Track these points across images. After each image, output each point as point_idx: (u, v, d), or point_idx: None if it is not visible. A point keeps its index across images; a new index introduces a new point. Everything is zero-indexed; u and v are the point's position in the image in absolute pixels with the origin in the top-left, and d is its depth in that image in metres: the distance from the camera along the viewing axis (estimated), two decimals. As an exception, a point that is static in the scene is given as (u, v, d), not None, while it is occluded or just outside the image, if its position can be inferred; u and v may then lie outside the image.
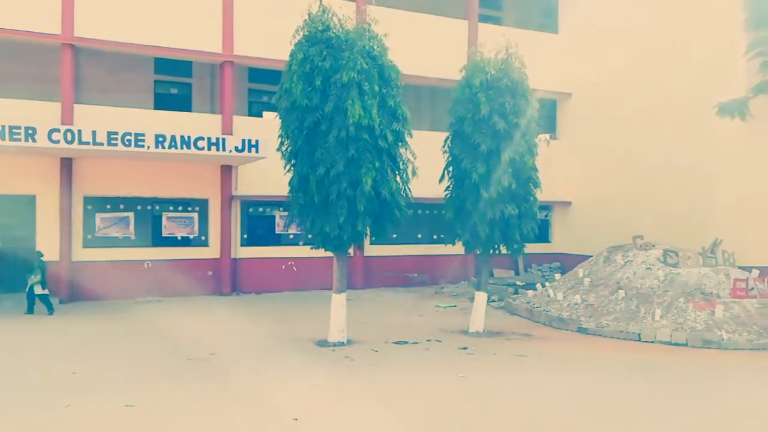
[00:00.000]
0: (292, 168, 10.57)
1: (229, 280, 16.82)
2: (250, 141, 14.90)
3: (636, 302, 12.49)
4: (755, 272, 12.91)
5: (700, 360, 10.14)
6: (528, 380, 8.89)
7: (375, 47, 10.35)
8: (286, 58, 10.45)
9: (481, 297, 12.18)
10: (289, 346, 10.68)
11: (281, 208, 17.21)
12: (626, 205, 18.41)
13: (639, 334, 11.58)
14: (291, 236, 17.67)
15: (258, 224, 17.61)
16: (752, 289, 12.28)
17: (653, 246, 14.12)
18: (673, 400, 7.95)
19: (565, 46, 20.70)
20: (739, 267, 13.48)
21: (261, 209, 17.64)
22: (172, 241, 16.71)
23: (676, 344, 11.15)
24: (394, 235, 16.88)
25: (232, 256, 16.95)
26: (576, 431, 6.74)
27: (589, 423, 7.00)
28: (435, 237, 19.00)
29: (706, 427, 6.91)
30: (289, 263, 17.53)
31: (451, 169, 12.03)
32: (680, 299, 12.12)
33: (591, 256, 15.62)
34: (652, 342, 11.34)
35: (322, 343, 10.73)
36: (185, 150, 14.43)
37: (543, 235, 20.68)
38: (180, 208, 16.82)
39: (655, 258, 13.55)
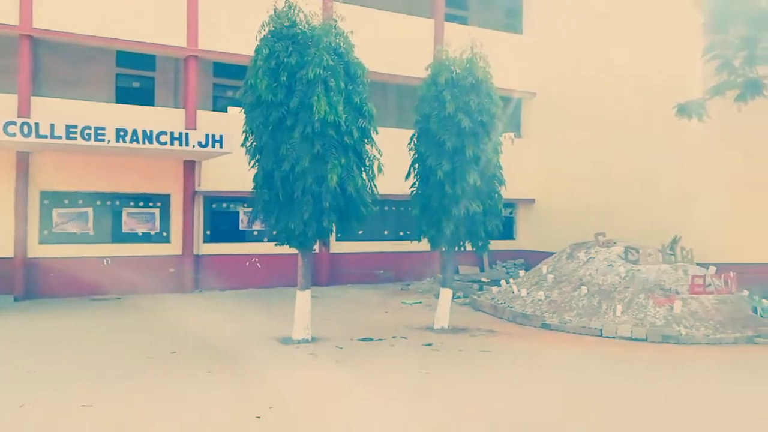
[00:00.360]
0: (257, 164, 10.47)
1: (192, 277, 16.58)
2: (214, 136, 14.70)
3: (598, 298, 12.71)
4: (712, 269, 13.26)
5: (658, 355, 10.37)
6: (491, 375, 8.97)
7: (341, 44, 10.31)
8: (252, 53, 10.34)
9: (446, 293, 12.25)
10: (252, 344, 10.58)
11: (245, 204, 17.02)
12: (589, 202, 18.73)
13: (601, 330, 11.80)
14: (255, 233, 17.51)
15: (221, 220, 17.40)
16: (709, 285, 12.62)
17: (615, 243, 14.38)
18: (632, 394, 8.11)
19: (530, 46, 20.96)
20: (697, 264, 13.83)
21: (225, 205, 17.43)
22: (132, 238, 16.39)
23: (636, 339, 11.39)
24: (360, 232, 16.91)
25: (195, 253, 16.71)
26: (537, 425, 6.83)
27: (550, 416, 7.09)
28: (401, 234, 19.03)
29: (663, 419, 7.06)
30: (253, 260, 17.37)
31: (416, 166, 12.07)
32: (640, 295, 12.38)
33: (555, 252, 15.83)
34: (613, 337, 11.56)
35: (286, 341, 10.66)
36: (147, 144, 14.15)
37: (508, 232, 20.91)
38: (141, 203, 16.51)
39: (617, 255, 13.81)
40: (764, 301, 13.00)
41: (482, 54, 11.65)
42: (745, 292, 13.34)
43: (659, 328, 11.52)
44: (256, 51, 10.22)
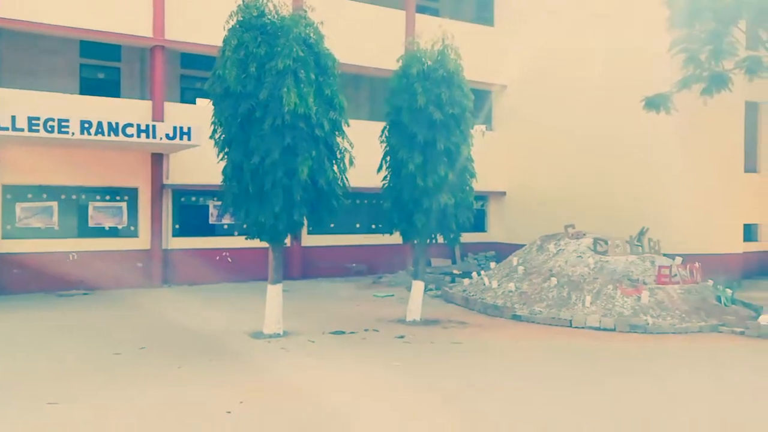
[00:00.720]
0: (226, 156, 10.31)
1: (160, 271, 16.33)
2: (182, 128, 14.46)
3: (567, 289, 12.85)
4: (678, 259, 13.50)
5: (626, 344, 10.54)
6: (462, 367, 9.01)
7: (311, 35, 10.19)
8: (220, 43, 10.17)
9: (418, 286, 12.27)
10: (223, 339, 10.46)
11: (215, 198, 16.80)
12: (559, 194, 18.93)
13: (570, 321, 11.93)
14: (225, 226, 17.31)
15: (190, 214, 17.16)
16: (675, 275, 12.85)
17: (584, 235, 14.55)
18: (598, 383, 8.23)
19: (501, 39, 21.04)
20: (664, 254, 14.07)
21: (194, 199, 17.19)
22: (99, 232, 16.07)
23: (605, 329, 11.55)
24: (332, 225, 16.76)
25: (163, 247, 16.45)
26: (506, 411, 6.88)
27: (518, 404, 7.15)
28: (373, 227, 19.00)
29: (630, 407, 7.17)
30: (224, 254, 17.17)
31: (388, 158, 12.03)
32: (609, 286, 12.55)
33: (525, 244, 15.96)
34: (583, 327, 11.70)
35: (257, 335, 10.56)
36: (113, 137, 13.86)
37: (479, 225, 21.03)
38: (108, 197, 16.18)
39: (586, 246, 13.96)
40: (728, 290, 13.30)
41: (453, 46, 11.64)
42: (710, 282, 13.63)
43: (627, 318, 11.70)
44: (224, 41, 10.04)
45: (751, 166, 18.98)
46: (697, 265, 13.37)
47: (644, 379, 8.45)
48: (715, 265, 15.54)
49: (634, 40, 16.94)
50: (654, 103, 15.40)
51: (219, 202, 15.25)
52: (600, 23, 17.93)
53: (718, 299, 12.77)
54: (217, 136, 10.34)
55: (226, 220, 16.66)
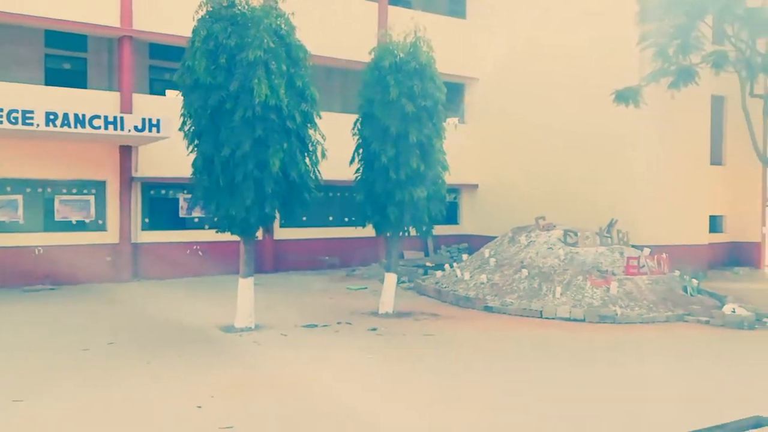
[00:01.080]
0: (196, 149, 10.18)
1: (129, 265, 16.08)
2: (150, 120, 14.22)
3: (538, 281, 12.98)
4: (646, 251, 13.74)
5: (594, 334, 10.70)
6: (434, 358, 9.06)
7: (282, 26, 10.09)
8: (189, 34, 10.01)
9: (390, 278, 12.28)
10: (193, 333, 10.36)
11: (185, 191, 16.58)
12: (530, 187, 19.11)
13: (541, 311, 12.07)
14: (196, 220, 17.10)
15: (160, 207, 16.91)
16: (643, 266, 13.07)
17: (554, 226, 14.70)
18: (560, 371, 8.35)
19: (473, 32, 21.08)
20: (633, 246, 14.30)
21: (163, 192, 16.94)
22: (66, 226, 15.74)
23: (575, 320, 11.71)
24: (305, 218, 16.67)
25: (133, 241, 16.20)
26: (478, 402, 6.94)
27: (490, 394, 7.22)
28: (346, 220, 18.96)
29: (596, 397, 7.29)
30: (194, 247, 16.97)
31: (361, 151, 11.99)
32: (579, 277, 12.72)
33: (497, 236, 16.09)
34: (553, 318, 11.85)
35: (229, 329, 10.47)
36: (79, 129, 13.58)
37: (452, 217, 21.12)
38: (75, 190, 15.86)
39: (556, 238, 14.12)
40: (694, 280, 13.58)
41: (426, 39, 11.62)
42: (677, 273, 13.90)
43: (596, 308, 11.87)
44: (193, 32, 9.89)
45: (716, 159, 19.38)
46: (664, 256, 13.62)
47: (607, 367, 8.61)
48: (682, 256, 15.85)
49: (604, 34, 17.12)
50: (624, 97, 15.62)
51: (189, 195, 15.02)
52: (571, 17, 18.09)
53: (685, 289, 13.04)
54: (186, 128, 10.20)
55: (197, 214, 16.45)
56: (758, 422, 6.64)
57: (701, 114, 18.19)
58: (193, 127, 10.12)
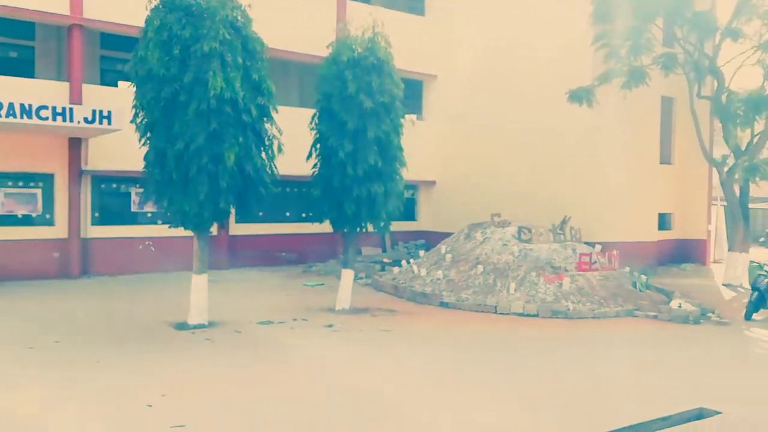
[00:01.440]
0: (148, 142, 9.95)
1: (79, 261, 15.62)
2: (101, 112, 13.82)
3: (493, 276, 13.15)
4: (598, 247, 14.06)
5: (546, 329, 10.90)
6: (390, 354, 9.09)
7: (238, 18, 9.94)
8: (142, 24, 9.77)
9: (347, 274, 12.25)
10: (143, 330, 10.13)
11: (137, 185, 16.12)
12: (486, 184, 19.30)
13: (495, 307, 12.23)
14: (149, 214, 16.71)
15: (111, 201, 16.47)
16: (595, 262, 13.38)
17: (509, 223, 14.91)
18: (519, 365, 8.48)
19: (432, 29, 21.15)
20: (585, 243, 14.61)
21: (115, 185, 16.50)
22: (11, 220, 15.17)
23: (528, 315, 11.90)
24: (261, 214, 16.53)
25: (82, 236, 15.74)
26: (433, 397, 6.99)
27: (441, 389, 7.28)
28: (303, 215, 18.78)
29: (546, 390, 7.43)
30: (147, 243, 16.58)
31: (318, 146, 11.91)
32: (532, 273, 12.93)
33: (454, 233, 16.22)
34: (507, 314, 12.02)
35: (182, 326, 10.28)
36: (26, 120, 13.11)
37: (409, 213, 21.19)
38: (21, 183, 15.29)
39: (511, 234, 14.32)
40: (643, 276, 13.97)
41: (384, 34, 11.60)
42: (627, 269, 14.27)
43: (549, 303, 12.10)
44: (146, 22, 9.68)
45: (666, 159, 19.93)
46: (615, 252, 13.97)
47: (559, 361, 8.79)
48: (632, 253, 16.28)
49: (560, 34, 17.42)
50: (577, 96, 15.92)
51: (141, 189, 14.65)
52: (528, 16, 18.32)
53: (634, 285, 13.40)
54: (138, 120, 9.96)
55: (149, 208, 16.08)
56: (701, 414, 6.86)
57: (651, 114, 18.68)
58: (145, 120, 9.89)
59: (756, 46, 16.27)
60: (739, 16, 16.03)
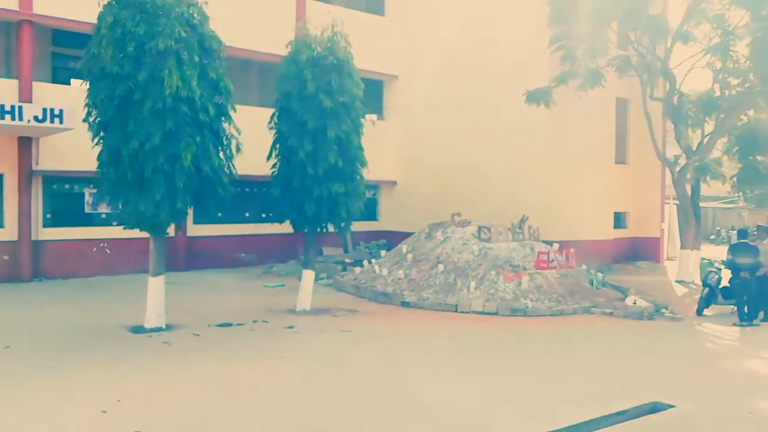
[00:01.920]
0: (102, 141, 9.72)
1: (29, 264, 15.12)
2: (52, 110, 13.42)
3: (453, 275, 13.24)
4: (555, 246, 14.29)
5: (506, 327, 11.03)
6: (351, 354, 9.06)
7: (195, 15, 9.78)
8: (95, 21, 9.53)
9: (308, 275, 12.17)
10: (99, 335, 9.87)
11: (91, 185, 15.73)
12: (446, 184, 19.41)
13: (456, 306, 12.32)
14: (103, 216, 16.29)
15: (64, 202, 15.98)
16: (553, 261, 13.59)
17: (469, 223, 15.03)
18: (478, 362, 8.56)
19: (391, 29, 21.18)
20: (543, 241, 14.83)
21: (67, 186, 16.02)
22: (-43, 223, 14.64)
23: (488, 313, 12.03)
24: (219, 214, 16.24)
25: (33, 238, 15.24)
26: (395, 393, 6.99)
27: (406, 385, 7.29)
28: (263, 216, 18.59)
29: (506, 386, 7.52)
30: (101, 245, 16.16)
31: (278, 146, 11.80)
32: (492, 272, 13.07)
33: (415, 232, 16.27)
34: (467, 312, 12.12)
35: (138, 330, 10.05)
36: (-28, 118, 12.65)
37: (371, 213, 21.18)
38: (-33, 184, 14.77)
39: (471, 234, 14.44)
40: (599, 274, 14.27)
41: (344, 34, 11.56)
42: (584, 267, 14.54)
43: (509, 302, 12.24)
44: (99, 18, 9.47)
45: (621, 159, 20.39)
46: (572, 250, 14.22)
47: (518, 358, 8.89)
48: (589, 251, 16.60)
49: (518, 35, 17.62)
50: (534, 98, 16.15)
51: (95, 190, 14.29)
52: (486, 18, 18.48)
53: (591, 283, 13.66)
54: (92, 119, 9.73)
55: (104, 209, 15.69)
56: (655, 408, 7.05)
57: (607, 115, 19.07)
58: (98, 119, 9.66)
59: (705, 49, 16.78)
60: (689, 20, 16.52)
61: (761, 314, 11.89)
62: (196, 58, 9.47)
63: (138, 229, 10.13)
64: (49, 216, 15.71)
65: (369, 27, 20.06)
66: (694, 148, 17.59)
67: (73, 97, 13.97)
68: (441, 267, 13.54)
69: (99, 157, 9.81)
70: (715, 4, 16.66)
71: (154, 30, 9.22)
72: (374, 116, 20.42)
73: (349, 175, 11.67)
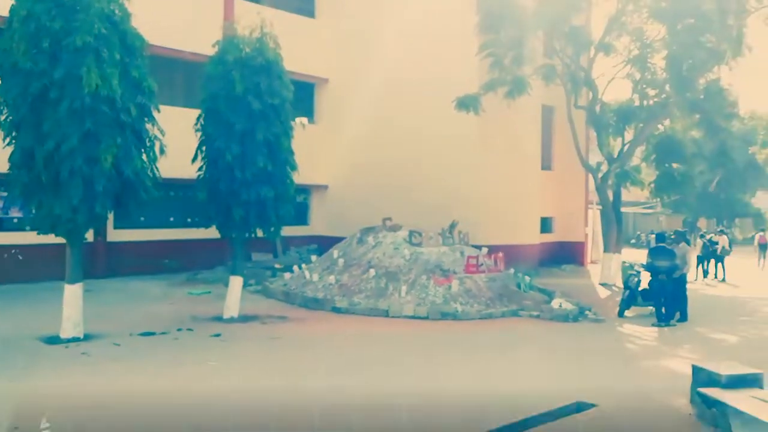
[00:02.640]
0: (14, 141, 9.16)
1: (-67, 273, 14.12)
2: (-41, 108, 12.55)
3: (385, 280, 13.22)
4: (484, 250, 14.51)
5: (435, 331, 11.09)
6: (279, 362, 8.88)
7: (116, 11, 9.36)
8: (6, 14, 9.00)
9: (236, 281, 11.85)
10: (10, 346, 9.27)
11: (1, 188, 14.85)
12: (378, 188, 19.44)
13: (387, 311, 12.30)
14: (15, 220, 15.39)
15: (-29, 207, 15.02)
16: (482, 265, 13.79)
17: (400, 227, 15.07)
18: (408, 366, 8.56)
19: (322, 31, 21.07)
20: (472, 246, 15.04)
21: (-24, 189, 15.08)
22: None
23: (419, 317, 12.07)
24: (142, 219, 15.76)
25: (-63, 245, 14.24)
26: (316, 396, 6.89)
27: (336, 392, 7.20)
28: (189, 220, 18.08)
29: (434, 388, 7.54)
30: (12, 251, 15.25)
31: (204, 148, 11.46)
32: (423, 276, 13.13)
33: (346, 237, 16.18)
34: (399, 317, 12.12)
35: (53, 340, 9.50)
36: None
37: (302, 218, 20.96)
38: None
39: (402, 238, 14.47)
40: (526, 277, 14.58)
41: (273, 35, 11.37)
42: (512, 271, 14.83)
43: (439, 306, 12.33)
44: (11, 12, 8.98)
45: (546, 165, 21.00)
46: (500, 254, 14.48)
47: (447, 360, 8.95)
48: (517, 255, 16.99)
49: (448, 42, 17.87)
50: (464, 104, 16.39)
51: (5, 193, 13.47)
52: (417, 24, 18.65)
53: (518, 286, 13.95)
54: (2, 117, 9.16)
55: (15, 213, 14.82)
56: (579, 407, 7.22)
57: (533, 122, 19.61)
58: (10, 117, 9.12)
59: (625, 60, 17.52)
60: (611, 32, 17.21)
61: (677, 315, 12.44)
62: (117, 56, 9.06)
63: (53, 235, 9.59)
64: (-45, 221, 14.72)
65: (299, 29, 19.88)
66: (615, 156, 18.30)
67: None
68: (372, 272, 13.50)
69: (10, 158, 9.25)
70: (635, 18, 17.42)
71: (71, 25, 8.78)
72: (305, 119, 20.25)
73: (278, 178, 11.44)
